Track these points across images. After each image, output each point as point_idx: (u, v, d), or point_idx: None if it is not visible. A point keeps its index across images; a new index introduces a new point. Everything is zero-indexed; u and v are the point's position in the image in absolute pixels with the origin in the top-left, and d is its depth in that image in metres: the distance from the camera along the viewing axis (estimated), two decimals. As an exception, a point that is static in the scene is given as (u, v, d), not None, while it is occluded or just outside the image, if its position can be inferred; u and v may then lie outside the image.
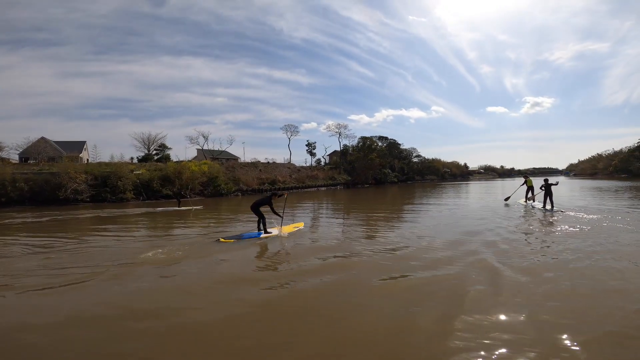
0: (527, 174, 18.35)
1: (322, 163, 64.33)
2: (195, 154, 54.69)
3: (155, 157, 50.24)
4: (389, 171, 66.12)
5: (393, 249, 7.89)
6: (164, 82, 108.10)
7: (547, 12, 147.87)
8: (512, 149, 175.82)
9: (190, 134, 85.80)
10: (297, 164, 56.62)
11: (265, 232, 9.71)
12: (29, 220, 16.53)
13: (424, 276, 5.79)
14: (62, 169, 29.39)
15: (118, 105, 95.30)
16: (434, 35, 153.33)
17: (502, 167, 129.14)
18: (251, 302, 4.87)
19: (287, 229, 10.41)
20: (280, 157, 67.95)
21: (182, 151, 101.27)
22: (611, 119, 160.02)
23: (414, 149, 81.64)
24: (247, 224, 12.60)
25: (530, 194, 16.46)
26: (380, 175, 62.60)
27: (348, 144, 65.11)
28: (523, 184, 16.90)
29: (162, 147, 52.99)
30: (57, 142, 50.23)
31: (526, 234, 9.51)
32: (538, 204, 15.23)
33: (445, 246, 8.02)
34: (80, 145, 52.25)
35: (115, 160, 40.24)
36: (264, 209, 9.93)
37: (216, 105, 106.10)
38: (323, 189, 48.97)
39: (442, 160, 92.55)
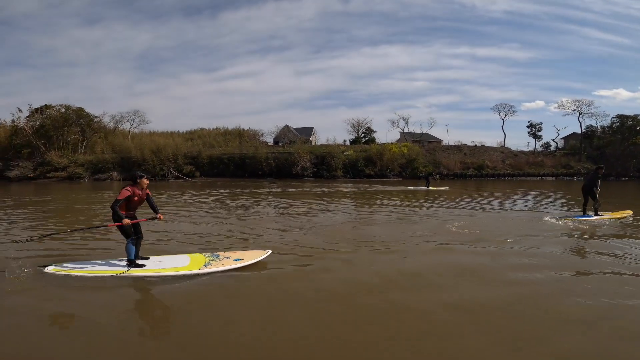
0: None
1: (553, 148, 50.73)
2: (398, 136, 56.28)
3: (363, 140, 55.17)
4: (670, 161, 44.09)
5: None
6: (368, 71, 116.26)
7: None
8: None
9: (391, 118, 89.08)
10: (513, 148, 47.47)
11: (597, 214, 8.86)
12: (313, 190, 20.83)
13: None
14: (295, 150, 37.27)
15: (336, 95, 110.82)
16: None
17: None
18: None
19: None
20: (492, 140, 58.98)
21: (386, 134, 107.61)
22: None
23: None
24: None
25: None
26: (651, 166, 42.84)
27: (595, 125, 48.11)
28: None
29: (369, 130, 57.44)
30: (295, 129, 64.37)
31: None
32: None
33: None
34: (309, 131, 64.69)
35: (330, 143, 47.05)
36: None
37: (417, 89, 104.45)
38: (551, 178, 38.78)
39: None
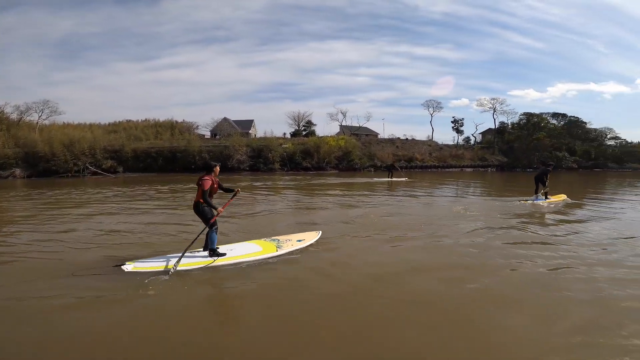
0: None
1: (472, 142, 56.25)
2: (337, 130, 57.65)
3: (304, 133, 55.49)
4: (566, 154, 51.69)
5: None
6: (314, 66, 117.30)
7: None
8: None
9: (330, 112, 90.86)
10: (439, 142, 51.63)
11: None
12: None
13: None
14: (230, 143, 36.07)
15: (281, 88, 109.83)
16: (628, 1, 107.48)
17: None
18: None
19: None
20: (422, 134, 63.40)
21: (324, 127, 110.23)
22: None
23: (609, 129, 60.43)
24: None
25: None
26: (551, 158, 49.80)
27: (507, 121, 54.36)
28: None
29: (309, 123, 57.94)
30: (235, 121, 62.22)
31: None
32: None
33: None
34: (249, 124, 63.05)
35: (267, 135, 46.52)
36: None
37: (360, 84, 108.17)
38: (469, 170, 42.97)
39: (658, 144, 65.23)
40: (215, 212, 4.73)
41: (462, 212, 9.28)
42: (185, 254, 4.57)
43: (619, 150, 59.64)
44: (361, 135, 51.64)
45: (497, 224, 7.75)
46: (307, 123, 57.93)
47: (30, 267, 4.77)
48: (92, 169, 31.20)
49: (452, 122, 57.45)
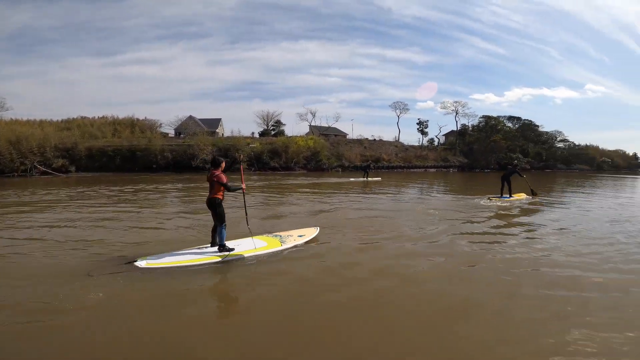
0: None
1: (436, 143, 58.58)
2: (307, 129, 57.73)
3: (272, 133, 55.01)
4: (519, 156, 55.17)
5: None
6: (286, 65, 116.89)
7: None
8: None
9: (299, 111, 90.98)
10: (406, 143, 53.26)
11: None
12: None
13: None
14: (195, 142, 35.01)
15: (251, 87, 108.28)
16: (584, 7, 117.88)
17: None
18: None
19: None
20: (390, 135, 64.96)
21: (293, 128, 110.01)
22: None
23: (559, 132, 65.43)
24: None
25: None
26: (506, 159, 53.01)
27: (468, 124, 57.22)
28: None
29: (278, 123, 57.56)
30: (201, 120, 60.41)
31: None
32: None
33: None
34: (216, 122, 61.50)
35: (235, 135, 45.69)
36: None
37: (331, 84, 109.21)
38: (432, 170, 44.69)
39: (599, 147, 71.46)
40: (241, 187, 5.19)
41: (431, 212, 9.63)
42: (195, 251, 5.02)
43: (567, 152, 64.71)
44: (330, 135, 52.09)
45: (460, 222, 8.13)
46: (276, 123, 57.56)
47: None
48: (41, 168, 29.00)
49: (417, 123, 59.58)
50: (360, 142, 47.63)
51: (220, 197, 4.98)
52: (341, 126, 60.21)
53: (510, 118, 60.15)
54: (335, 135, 53.59)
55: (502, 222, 8.29)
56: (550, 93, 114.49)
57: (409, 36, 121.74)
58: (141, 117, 45.61)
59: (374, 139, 50.61)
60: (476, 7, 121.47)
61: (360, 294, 3.90)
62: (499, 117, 57.82)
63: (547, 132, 63.24)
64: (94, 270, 4.37)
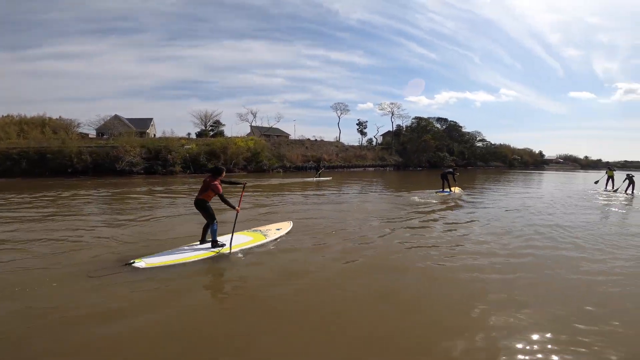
0: (611, 167, 19.16)
1: (374, 143, 61.50)
2: (248, 130, 56.25)
3: (211, 133, 52.64)
4: (446, 155, 60.53)
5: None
6: (228, 64, 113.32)
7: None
8: (600, 138, 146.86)
9: (240, 112, 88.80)
10: (346, 143, 54.98)
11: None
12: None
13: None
14: (120, 143, 31.90)
15: (189, 86, 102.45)
16: (505, 16, 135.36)
17: (586, 157, 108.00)
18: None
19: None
20: (331, 136, 66.50)
21: (236, 128, 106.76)
22: None
23: (478, 132, 73.39)
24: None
25: (610, 184, 17.60)
26: (435, 158, 57.84)
27: (402, 124, 61.14)
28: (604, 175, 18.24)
29: (217, 123, 55.31)
30: (130, 119, 55.29)
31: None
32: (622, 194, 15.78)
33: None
34: (147, 122, 56.87)
35: (167, 135, 42.84)
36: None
37: (275, 85, 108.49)
38: (371, 169, 46.78)
39: (511, 146, 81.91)
40: (235, 209, 5.46)
41: (370, 208, 10.49)
42: (188, 248, 5.36)
43: (485, 150, 72.82)
44: (272, 136, 51.54)
45: (399, 216, 9.09)
46: (214, 123, 55.27)
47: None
48: None
49: (357, 124, 61.98)
50: (302, 142, 47.93)
51: (208, 199, 5.45)
52: (284, 127, 60.07)
53: (439, 119, 65.80)
54: (278, 136, 53.20)
55: (428, 217, 9.14)
56: (471, 96, 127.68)
57: (353, 39, 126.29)
58: (55, 117, 40.40)
59: (316, 140, 51.36)
60: (415, 14, 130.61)
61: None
62: (429, 118, 62.85)
63: (469, 133, 70.48)
64: (93, 271, 4.56)
